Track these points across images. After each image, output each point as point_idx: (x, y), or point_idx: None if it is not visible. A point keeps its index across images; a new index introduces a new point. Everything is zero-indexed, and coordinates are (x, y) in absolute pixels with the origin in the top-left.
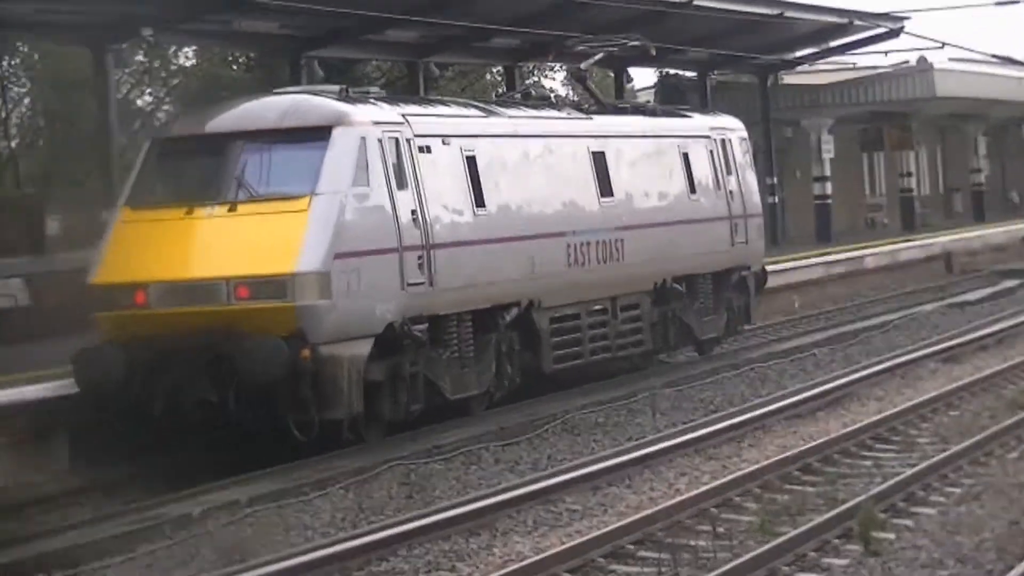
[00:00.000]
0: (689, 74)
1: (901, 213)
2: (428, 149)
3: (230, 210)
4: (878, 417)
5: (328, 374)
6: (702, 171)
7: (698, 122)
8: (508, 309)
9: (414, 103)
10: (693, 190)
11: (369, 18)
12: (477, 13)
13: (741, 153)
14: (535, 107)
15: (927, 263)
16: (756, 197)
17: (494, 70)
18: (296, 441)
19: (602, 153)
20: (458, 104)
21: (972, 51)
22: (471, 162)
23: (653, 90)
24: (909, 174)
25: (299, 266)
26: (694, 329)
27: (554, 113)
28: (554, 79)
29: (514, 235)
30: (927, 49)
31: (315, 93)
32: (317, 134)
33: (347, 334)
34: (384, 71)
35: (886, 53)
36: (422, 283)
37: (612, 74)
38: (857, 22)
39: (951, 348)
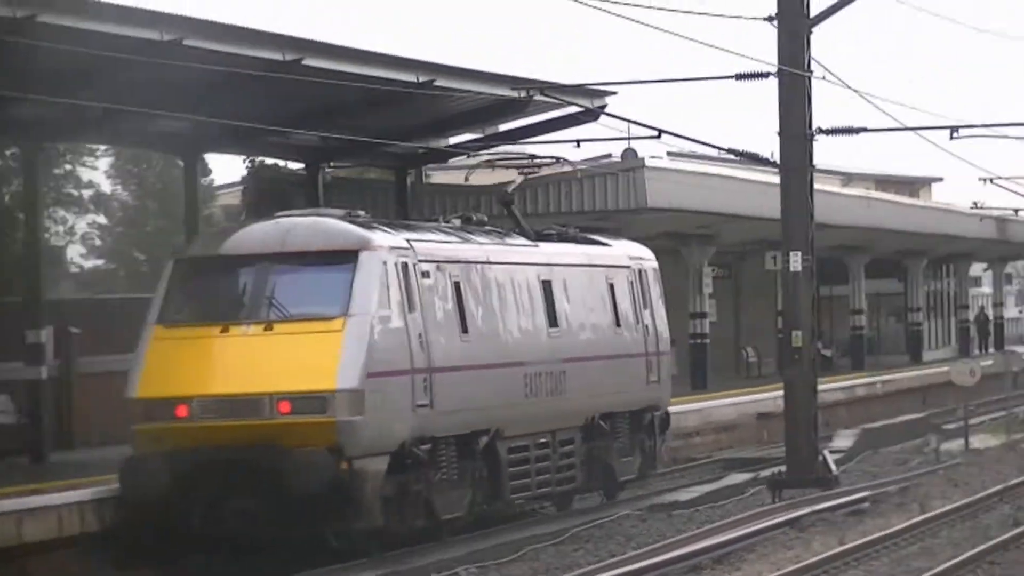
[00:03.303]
0: (294, 165)
1: None
2: (427, 274)
3: (266, 329)
4: None
5: (359, 486)
6: (625, 303)
7: (619, 251)
8: (480, 436)
9: (406, 228)
10: (618, 323)
11: None
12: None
13: (655, 285)
14: (487, 233)
15: None
16: (667, 333)
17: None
18: (328, 550)
19: (549, 282)
20: (438, 229)
21: (702, 143)
22: (456, 288)
23: (241, 187)
24: None
25: (339, 383)
26: (615, 469)
27: (510, 239)
28: (95, 168)
29: (488, 363)
30: (639, 139)
31: (320, 216)
32: (344, 257)
33: (373, 449)
34: None
35: (578, 143)
36: (426, 405)
37: (182, 163)
38: (539, 97)
39: (649, 569)
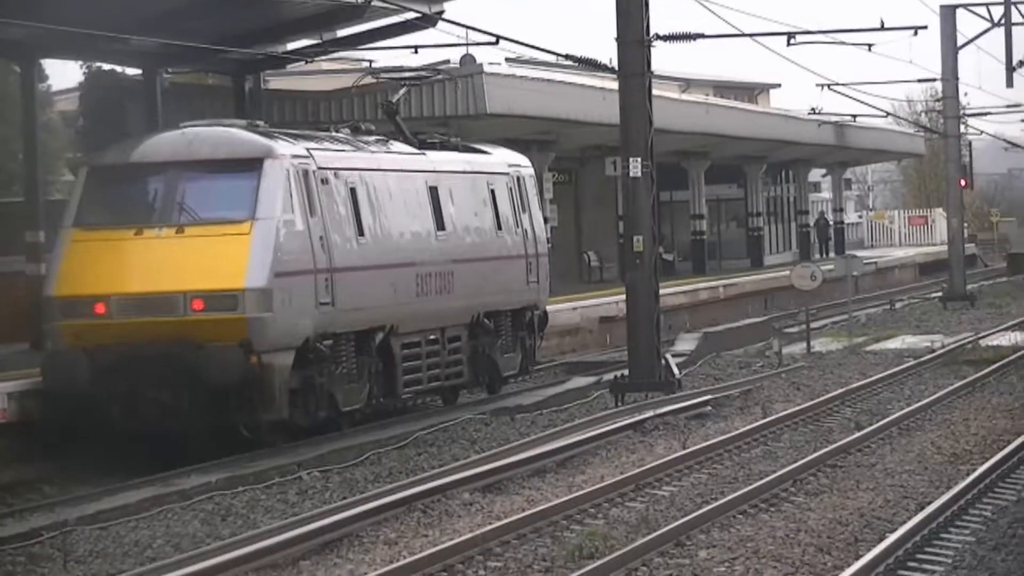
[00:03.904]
0: (131, 71)
1: None
2: (326, 181)
3: (177, 232)
4: (386, 569)
5: (267, 380)
6: (505, 208)
7: (499, 158)
8: (376, 333)
9: (305, 138)
10: (499, 227)
11: None
12: None
13: (532, 191)
14: (376, 142)
15: None
16: (544, 236)
17: None
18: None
19: (435, 188)
20: (334, 139)
21: (541, 50)
22: (353, 193)
23: (78, 94)
24: None
25: (248, 282)
26: (499, 365)
27: (399, 148)
28: None
29: (383, 263)
30: (477, 45)
31: (223, 126)
32: (249, 165)
33: (280, 345)
34: None
35: (416, 49)
36: (328, 303)
37: (18, 69)
38: (376, 3)
39: (493, 472)
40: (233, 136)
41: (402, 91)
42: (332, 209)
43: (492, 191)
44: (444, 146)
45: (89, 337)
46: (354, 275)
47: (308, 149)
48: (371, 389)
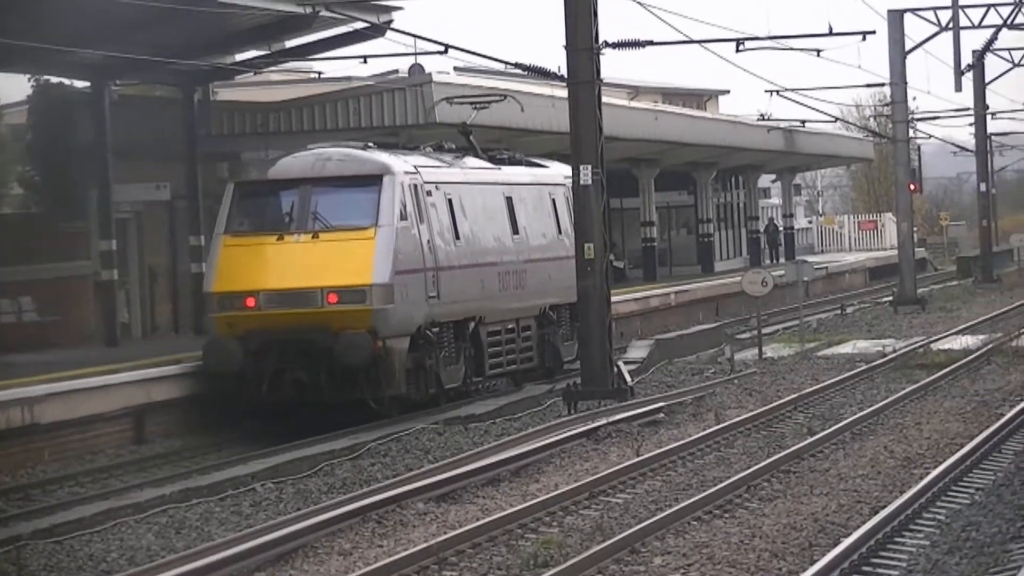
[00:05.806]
0: (80, 84)
1: None
2: (430, 193)
3: (313, 237)
4: None
5: (389, 360)
6: (564, 215)
7: (556, 171)
8: (469, 323)
9: (412, 155)
10: (560, 231)
11: None
12: None
13: None
14: (458, 158)
15: None
16: None
17: None
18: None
19: (510, 198)
20: (430, 156)
21: (489, 58)
22: (450, 203)
23: (26, 107)
24: None
25: (374, 279)
26: (560, 352)
27: (479, 163)
28: None
29: (475, 263)
30: (426, 55)
31: (345, 147)
32: (371, 181)
33: (399, 332)
34: None
35: (365, 59)
36: (435, 296)
37: None
38: (325, 13)
39: (447, 482)
40: (356, 156)
41: (474, 113)
42: (435, 217)
43: (553, 200)
44: (512, 161)
45: (241, 326)
46: (453, 273)
47: (416, 166)
48: (466, 370)
